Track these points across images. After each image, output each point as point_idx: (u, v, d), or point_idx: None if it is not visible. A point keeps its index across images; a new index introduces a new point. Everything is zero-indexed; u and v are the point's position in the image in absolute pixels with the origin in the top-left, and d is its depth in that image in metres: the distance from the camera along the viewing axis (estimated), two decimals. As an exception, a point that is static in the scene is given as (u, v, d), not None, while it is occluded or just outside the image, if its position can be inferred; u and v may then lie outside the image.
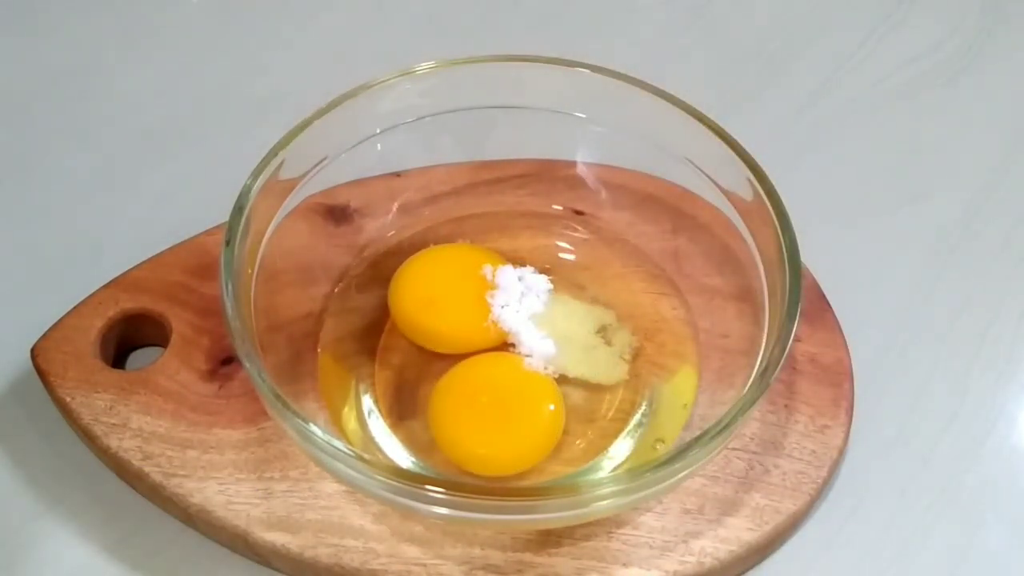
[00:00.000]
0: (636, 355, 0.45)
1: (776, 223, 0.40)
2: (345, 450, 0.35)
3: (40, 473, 0.43)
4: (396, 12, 0.64)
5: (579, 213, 0.49)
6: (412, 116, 0.46)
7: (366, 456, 0.36)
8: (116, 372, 0.44)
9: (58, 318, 0.45)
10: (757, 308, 0.41)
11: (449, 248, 0.48)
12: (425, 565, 0.39)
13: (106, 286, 0.46)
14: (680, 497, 0.41)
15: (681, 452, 0.35)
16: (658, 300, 0.47)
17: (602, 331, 0.45)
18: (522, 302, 0.45)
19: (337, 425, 0.42)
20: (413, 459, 0.42)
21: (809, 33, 0.64)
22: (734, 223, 0.43)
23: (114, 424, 0.42)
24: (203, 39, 0.63)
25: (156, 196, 0.54)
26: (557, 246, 0.49)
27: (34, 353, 0.44)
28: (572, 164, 0.49)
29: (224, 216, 0.40)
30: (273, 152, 0.41)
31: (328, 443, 0.35)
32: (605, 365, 0.44)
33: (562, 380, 0.44)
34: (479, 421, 0.42)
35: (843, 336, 0.46)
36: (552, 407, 0.42)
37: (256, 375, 0.36)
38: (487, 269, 0.45)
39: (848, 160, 0.57)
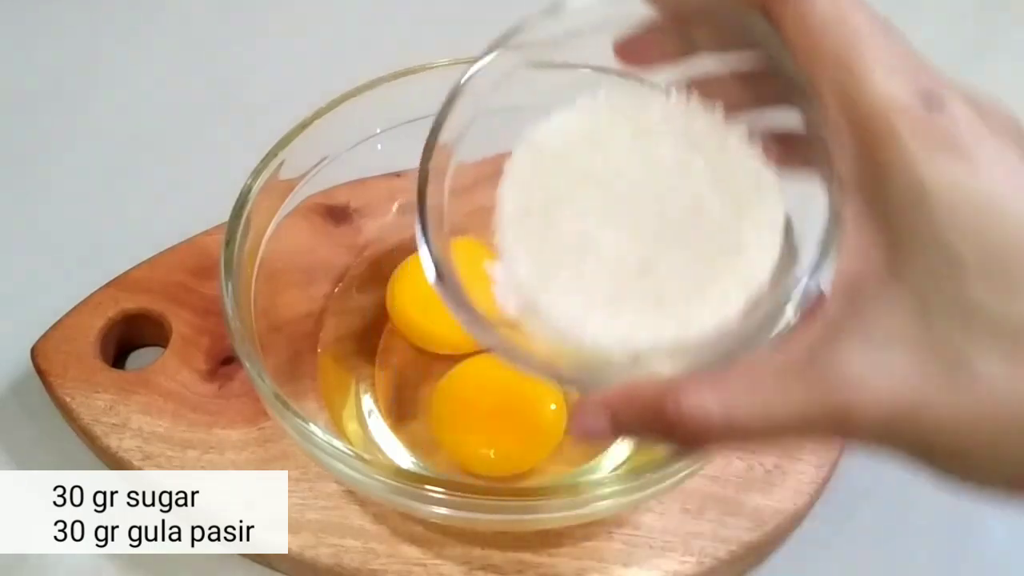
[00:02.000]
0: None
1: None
2: (345, 450, 0.35)
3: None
4: (396, 12, 0.63)
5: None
6: (412, 116, 0.46)
7: (366, 456, 0.36)
8: (116, 372, 0.44)
9: (58, 318, 0.45)
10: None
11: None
12: (425, 565, 0.39)
13: (106, 286, 0.46)
14: (680, 497, 0.41)
15: (681, 452, 0.35)
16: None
17: None
18: None
19: (337, 425, 0.42)
20: (413, 459, 0.42)
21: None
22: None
23: (114, 424, 0.42)
24: (203, 39, 0.63)
25: (156, 196, 0.54)
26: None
27: (34, 353, 0.44)
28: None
29: (224, 216, 0.40)
30: (273, 152, 0.41)
31: (328, 443, 0.35)
32: None
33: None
34: (481, 421, 0.42)
35: (843, 336, 0.46)
36: (554, 406, 0.42)
37: (256, 375, 0.36)
38: (487, 264, 0.45)
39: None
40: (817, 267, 0.26)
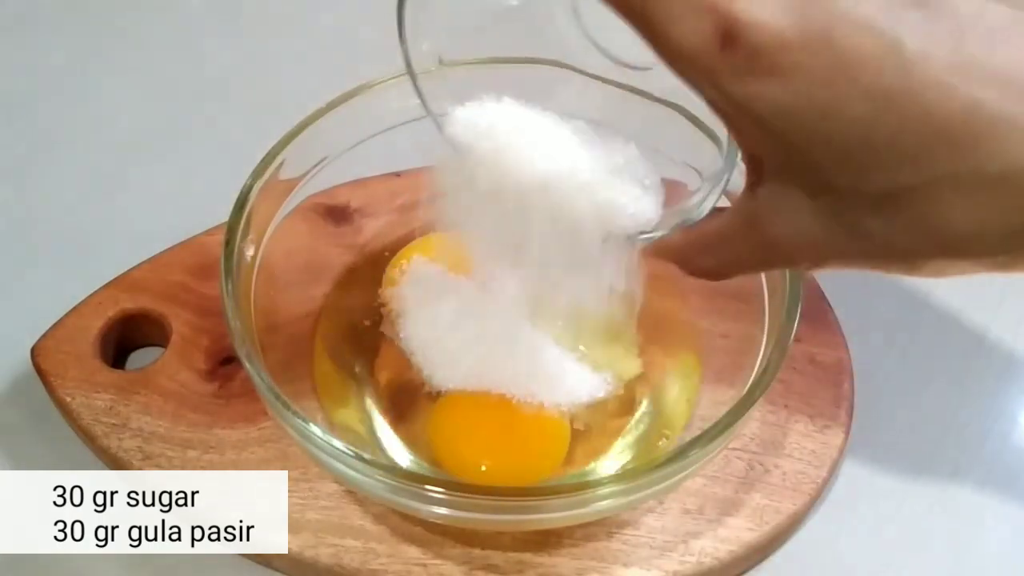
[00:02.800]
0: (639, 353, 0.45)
1: (776, 223, 0.40)
2: (345, 450, 0.35)
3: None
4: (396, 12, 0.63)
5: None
6: (412, 116, 0.46)
7: (366, 456, 0.36)
8: (116, 372, 0.44)
9: (58, 318, 0.45)
10: (757, 308, 0.41)
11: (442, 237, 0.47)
12: (425, 565, 0.39)
13: (106, 286, 0.46)
14: (680, 497, 0.41)
15: (681, 452, 0.35)
16: (658, 300, 0.47)
17: (614, 324, 0.45)
18: None
19: (337, 424, 0.42)
20: (413, 459, 0.42)
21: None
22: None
23: (114, 424, 0.42)
24: (204, 39, 0.63)
25: (156, 196, 0.54)
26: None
27: (34, 353, 0.44)
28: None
29: (224, 216, 0.40)
30: (273, 152, 0.42)
31: (328, 443, 0.35)
32: (622, 358, 0.44)
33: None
34: (483, 444, 0.41)
35: (843, 336, 0.46)
36: (554, 424, 0.41)
37: (256, 375, 0.36)
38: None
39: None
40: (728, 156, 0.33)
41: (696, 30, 0.25)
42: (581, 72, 0.41)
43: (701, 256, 0.32)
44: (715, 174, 0.33)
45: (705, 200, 0.33)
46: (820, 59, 0.25)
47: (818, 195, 0.27)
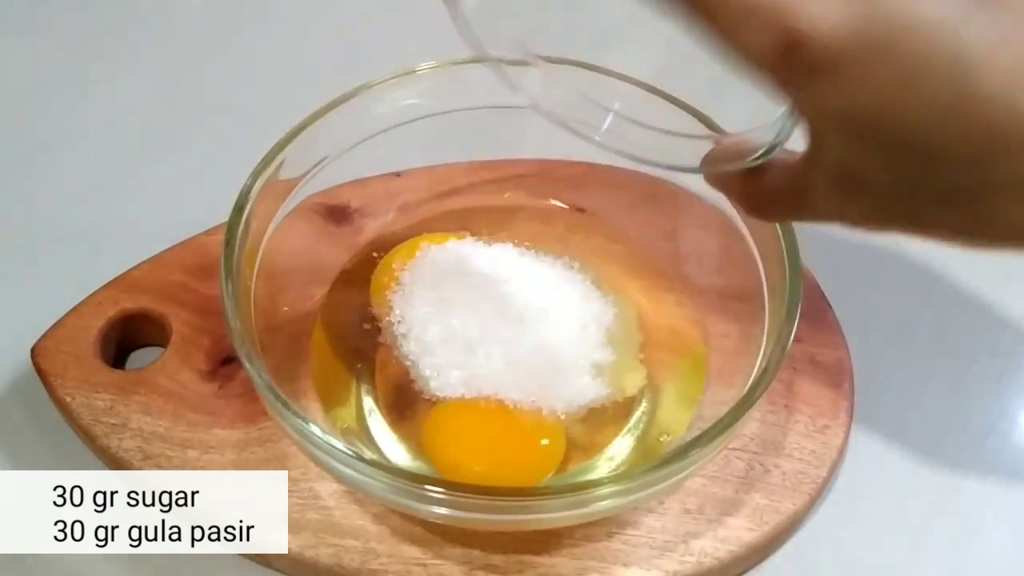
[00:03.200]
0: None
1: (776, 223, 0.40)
2: (345, 450, 0.35)
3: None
4: (396, 12, 0.63)
5: (580, 211, 0.49)
6: (412, 116, 0.46)
7: (366, 456, 0.36)
8: (116, 372, 0.44)
9: (58, 318, 0.45)
10: (757, 308, 0.41)
11: (435, 238, 0.47)
12: (425, 565, 0.39)
13: (106, 286, 0.46)
14: (680, 497, 0.41)
15: (681, 452, 0.35)
16: (659, 300, 0.47)
17: (612, 332, 0.45)
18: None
19: (336, 424, 0.42)
20: (412, 459, 0.42)
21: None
22: (734, 223, 0.43)
23: (114, 424, 0.42)
24: (204, 39, 0.63)
25: (156, 196, 0.54)
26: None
27: (34, 353, 0.44)
28: (572, 164, 0.49)
29: (224, 216, 0.40)
30: (273, 152, 0.42)
31: (328, 443, 0.35)
32: (625, 372, 0.44)
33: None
34: (478, 450, 0.41)
35: (843, 336, 0.46)
36: (546, 441, 0.41)
37: (256, 375, 0.36)
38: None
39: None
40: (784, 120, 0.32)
41: (759, 40, 0.25)
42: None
43: (757, 200, 0.33)
44: (779, 121, 0.33)
45: (769, 150, 0.33)
46: (881, 68, 0.24)
47: (879, 184, 0.27)
